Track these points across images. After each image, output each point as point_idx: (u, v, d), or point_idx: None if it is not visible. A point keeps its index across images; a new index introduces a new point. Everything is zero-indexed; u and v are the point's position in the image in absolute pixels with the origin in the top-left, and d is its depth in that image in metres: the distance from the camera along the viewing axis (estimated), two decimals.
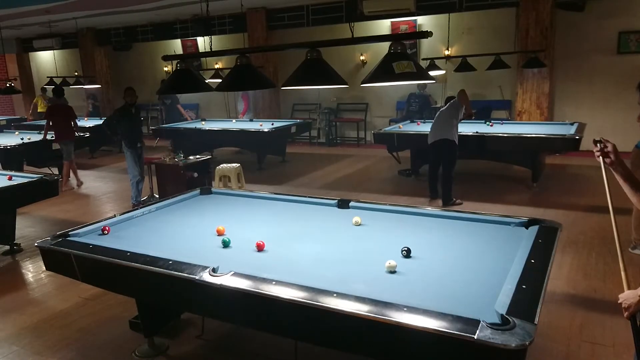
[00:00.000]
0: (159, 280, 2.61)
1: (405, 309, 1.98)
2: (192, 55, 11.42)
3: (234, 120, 10.64)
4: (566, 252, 4.67)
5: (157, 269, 2.57)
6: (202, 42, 12.78)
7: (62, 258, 3.00)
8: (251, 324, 2.75)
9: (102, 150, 11.57)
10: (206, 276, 2.41)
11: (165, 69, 13.98)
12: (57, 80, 11.33)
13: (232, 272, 2.40)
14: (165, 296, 2.85)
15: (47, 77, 12.08)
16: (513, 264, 2.45)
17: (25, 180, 5.20)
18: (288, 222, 3.47)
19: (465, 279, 2.40)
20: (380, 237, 3.07)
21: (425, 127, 7.62)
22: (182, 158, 6.55)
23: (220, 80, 5.75)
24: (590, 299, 3.85)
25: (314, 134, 11.89)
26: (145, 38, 13.15)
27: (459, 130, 6.45)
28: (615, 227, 2.00)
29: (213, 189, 4.38)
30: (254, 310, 2.40)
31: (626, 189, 2.08)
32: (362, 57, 11.35)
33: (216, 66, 11.77)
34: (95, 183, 8.63)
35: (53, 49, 14.12)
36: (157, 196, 6.89)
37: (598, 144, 2.10)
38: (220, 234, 3.14)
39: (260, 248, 2.86)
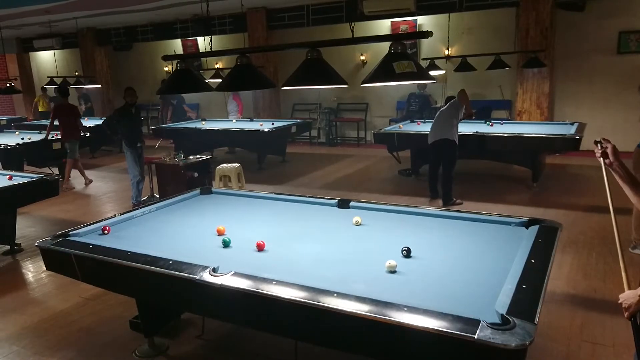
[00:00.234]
0: (159, 280, 2.61)
1: (405, 309, 1.98)
2: (192, 55, 11.44)
3: (234, 120, 10.65)
4: (566, 252, 4.67)
5: (157, 268, 2.57)
6: (202, 42, 12.79)
7: (62, 258, 3.00)
8: (251, 324, 2.75)
9: (102, 150, 11.57)
10: (206, 276, 2.41)
11: (166, 69, 13.98)
12: (57, 80, 11.35)
13: (233, 272, 2.40)
14: (165, 296, 2.85)
15: (48, 77, 12.11)
16: (513, 263, 2.45)
17: (26, 180, 5.20)
18: (288, 222, 3.47)
19: (465, 279, 2.40)
20: (381, 237, 3.07)
21: (425, 127, 7.62)
22: (182, 158, 6.55)
23: (220, 80, 5.76)
24: (590, 299, 3.85)
25: (314, 133, 11.88)
26: (145, 38, 13.15)
27: (459, 130, 6.45)
28: (615, 227, 2.00)
29: (213, 189, 4.38)
30: (254, 310, 2.40)
31: (626, 189, 2.09)
32: (362, 57, 11.35)
33: (216, 66, 11.77)
34: (96, 183, 8.63)
35: (53, 49, 14.12)
36: (158, 196, 6.89)
37: (599, 145, 2.11)
38: (220, 233, 3.14)
39: (260, 248, 2.86)
